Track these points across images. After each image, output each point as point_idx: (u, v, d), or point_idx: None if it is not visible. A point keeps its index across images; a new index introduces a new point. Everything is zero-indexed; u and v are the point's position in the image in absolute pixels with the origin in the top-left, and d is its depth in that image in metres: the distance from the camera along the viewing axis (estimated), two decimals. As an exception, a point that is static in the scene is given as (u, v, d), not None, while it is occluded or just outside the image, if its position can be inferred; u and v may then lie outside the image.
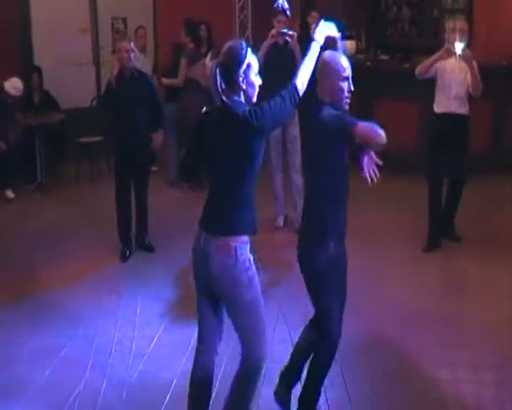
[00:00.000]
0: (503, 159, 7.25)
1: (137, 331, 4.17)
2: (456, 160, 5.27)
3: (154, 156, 6.84)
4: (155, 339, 4.07)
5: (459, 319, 4.28)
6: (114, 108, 5.32)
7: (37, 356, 3.90)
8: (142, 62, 7.08)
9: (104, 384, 3.60)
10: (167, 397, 3.48)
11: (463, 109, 5.22)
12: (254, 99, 2.76)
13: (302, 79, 2.75)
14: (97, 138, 7.53)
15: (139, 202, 5.52)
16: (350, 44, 8.37)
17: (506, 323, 4.20)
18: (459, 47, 4.95)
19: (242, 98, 2.72)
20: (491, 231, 5.75)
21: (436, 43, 6.09)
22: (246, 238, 2.79)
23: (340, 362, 3.69)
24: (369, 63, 8.29)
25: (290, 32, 5.64)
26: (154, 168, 7.13)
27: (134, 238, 5.53)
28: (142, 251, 5.48)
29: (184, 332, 4.12)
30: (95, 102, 7.96)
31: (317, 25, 2.93)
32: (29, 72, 7.59)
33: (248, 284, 2.77)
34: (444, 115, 5.24)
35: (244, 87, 2.70)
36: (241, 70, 2.67)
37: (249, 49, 2.74)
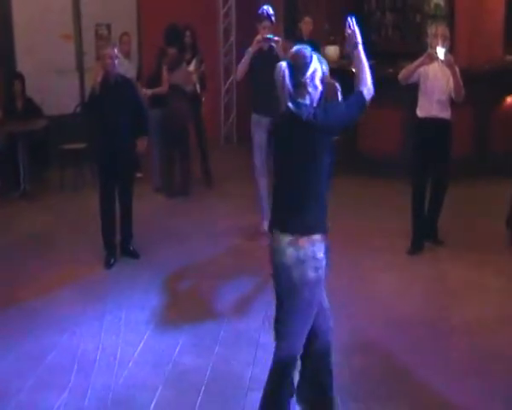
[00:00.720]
0: (485, 163, 7.33)
1: (122, 338, 4.15)
2: (439, 164, 5.33)
3: (138, 162, 6.83)
4: (140, 346, 4.05)
5: (443, 320, 4.31)
6: (98, 114, 5.30)
7: (21, 363, 3.87)
8: (127, 68, 7.06)
9: (89, 391, 3.58)
10: (152, 404, 3.46)
11: (446, 114, 5.28)
12: (315, 103, 2.86)
13: (367, 84, 2.90)
14: (81, 145, 7.49)
15: (123, 208, 5.50)
16: (333, 50, 8.44)
17: (490, 324, 4.24)
18: (441, 52, 5.01)
19: (307, 100, 2.82)
20: (474, 233, 5.81)
21: (419, 49, 6.13)
22: (319, 237, 2.86)
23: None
24: (352, 68, 8.34)
25: (276, 38, 5.66)
26: (138, 174, 7.11)
27: (119, 245, 5.51)
28: (126, 258, 5.46)
29: (169, 339, 4.12)
30: (79, 109, 7.92)
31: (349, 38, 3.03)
32: (11, 78, 7.55)
33: (315, 283, 2.87)
34: (426, 120, 5.29)
35: (310, 90, 2.82)
36: (309, 73, 2.80)
37: (315, 56, 2.87)
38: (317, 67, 2.84)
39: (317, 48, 8.15)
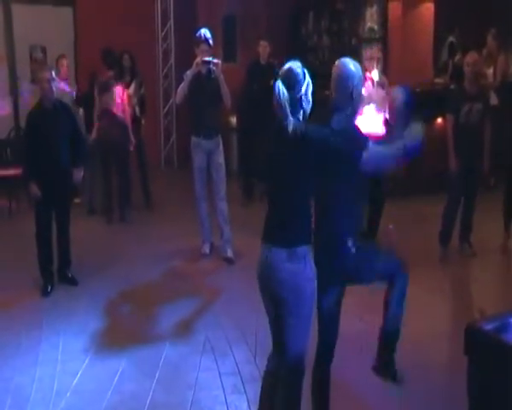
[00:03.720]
0: (419, 183, 7.61)
1: (60, 367, 4.02)
2: (374, 183, 5.49)
3: (76, 188, 6.69)
4: (79, 374, 3.93)
5: (376, 335, 4.33)
6: (36, 140, 5.15)
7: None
8: (64, 92, 6.95)
9: (24, 426, 3.44)
10: (91, 434, 3.37)
11: (380, 134, 5.42)
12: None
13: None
14: (17, 171, 7.28)
15: (61, 234, 5.36)
16: None
17: (423, 338, 4.31)
18: (375, 74, 5.17)
19: (301, 116, 2.90)
20: (408, 248, 5.93)
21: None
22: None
23: (248, 394, 3.66)
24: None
25: (215, 61, 5.70)
26: (76, 200, 6.98)
27: (56, 272, 5.37)
28: (64, 284, 5.32)
29: (109, 365, 4.02)
30: (13, 134, 7.72)
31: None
32: None
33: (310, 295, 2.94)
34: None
35: (304, 105, 2.90)
36: (303, 89, 2.87)
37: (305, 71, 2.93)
38: (309, 82, 2.91)
39: (274, 71, 8.24)
